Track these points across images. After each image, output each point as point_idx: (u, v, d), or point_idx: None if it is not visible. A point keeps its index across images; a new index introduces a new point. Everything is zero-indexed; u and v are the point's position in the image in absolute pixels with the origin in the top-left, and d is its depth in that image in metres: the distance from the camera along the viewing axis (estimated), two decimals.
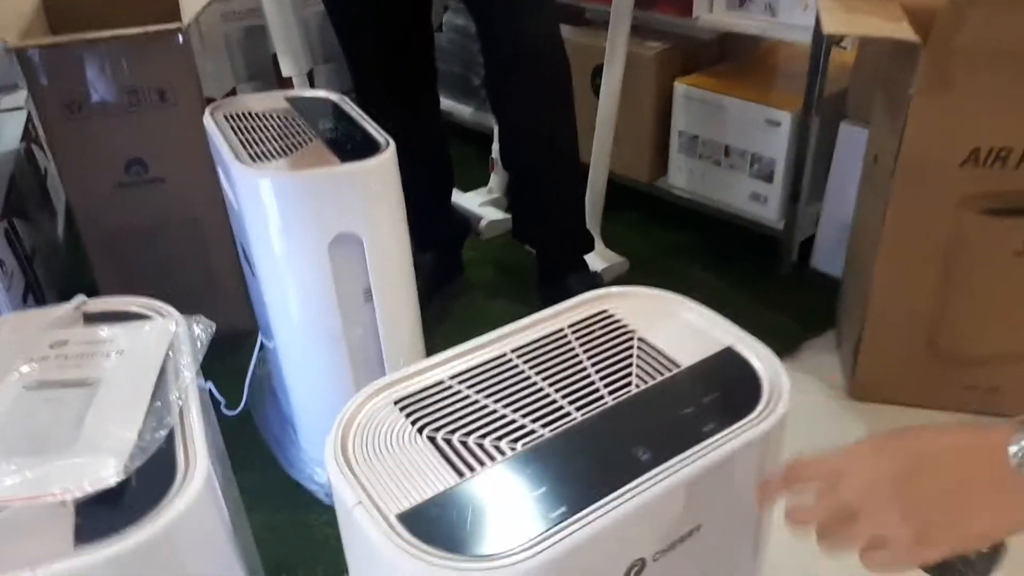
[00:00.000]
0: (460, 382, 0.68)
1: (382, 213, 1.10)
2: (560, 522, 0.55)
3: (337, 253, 1.10)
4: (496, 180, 2.04)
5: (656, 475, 0.59)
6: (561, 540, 0.54)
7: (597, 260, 1.75)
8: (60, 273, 1.71)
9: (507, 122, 1.49)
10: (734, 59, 1.89)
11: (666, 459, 0.60)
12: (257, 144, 1.11)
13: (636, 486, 0.58)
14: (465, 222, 1.80)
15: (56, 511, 0.57)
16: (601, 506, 0.56)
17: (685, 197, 1.86)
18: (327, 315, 1.13)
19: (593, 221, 1.78)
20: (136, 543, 0.54)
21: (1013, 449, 0.45)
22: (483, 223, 1.93)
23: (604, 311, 0.77)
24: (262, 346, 1.37)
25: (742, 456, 0.62)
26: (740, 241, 1.82)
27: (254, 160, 1.07)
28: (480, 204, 1.99)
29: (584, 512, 0.56)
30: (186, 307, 1.77)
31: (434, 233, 1.72)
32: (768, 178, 1.68)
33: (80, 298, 0.82)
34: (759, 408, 0.64)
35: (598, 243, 1.78)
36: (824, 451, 0.56)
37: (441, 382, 0.68)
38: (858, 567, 0.53)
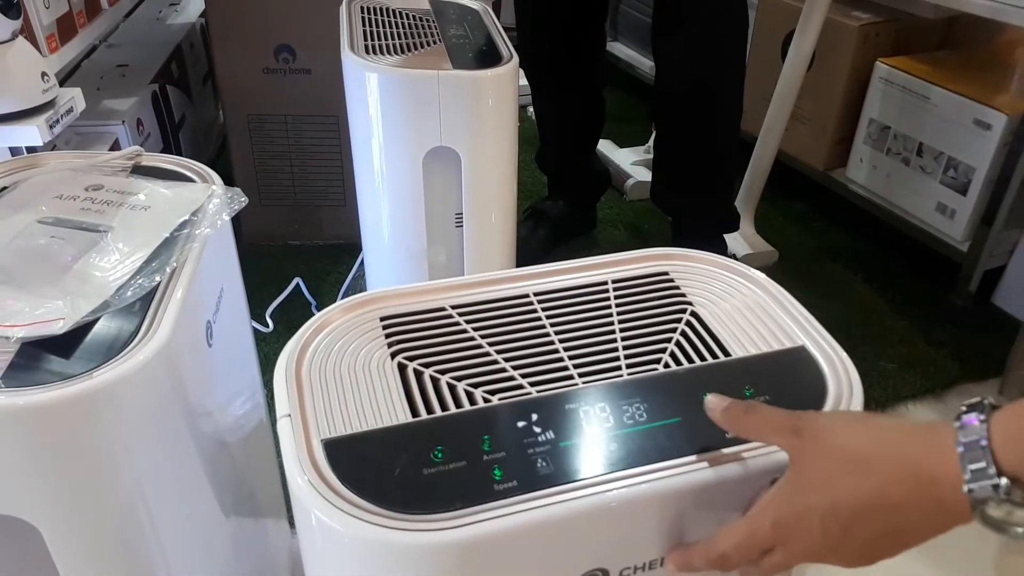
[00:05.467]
0: (461, 314, 0.58)
1: (487, 131, 1.00)
2: (503, 497, 0.45)
3: (434, 167, 1.02)
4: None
5: (640, 474, 0.47)
6: (494, 519, 0.44)
7: (741, 244, 1.57)
8: (205, 148, 1.75)
9: (663, 67, 1.34)
10: (958, 47, 1.62)
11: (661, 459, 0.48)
12: (379, 39, 1.05)
13: (611, 480, 0.46)
14: (606, 176, 1.67)
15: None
16: (559, 492, 0.45)
17: (861, 195, 1.63)
18: (412, 230, 1.06)
19: (747, 200, 1.60)
20: (48, 401, 0.49)
21: (970, 486, 0.39)
22: (629, 183, 1.79)
23: (664, 273, 0.64)
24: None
25: (762, 482, 0.49)
26: (914, 257, 1.58)
27: (368, 53, 1.01)
28: (632, 163, 1.85)
29: (535, 494, 0.45)
30: (314, 207, 1.76)
31: (570, 179, 1.61)
32: (962, 189, 1.43)
33: (135, 149, 0.79)
34: None
35: (747, 226, 1.60)
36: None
37: (441, 309, 0.59)
38: None
